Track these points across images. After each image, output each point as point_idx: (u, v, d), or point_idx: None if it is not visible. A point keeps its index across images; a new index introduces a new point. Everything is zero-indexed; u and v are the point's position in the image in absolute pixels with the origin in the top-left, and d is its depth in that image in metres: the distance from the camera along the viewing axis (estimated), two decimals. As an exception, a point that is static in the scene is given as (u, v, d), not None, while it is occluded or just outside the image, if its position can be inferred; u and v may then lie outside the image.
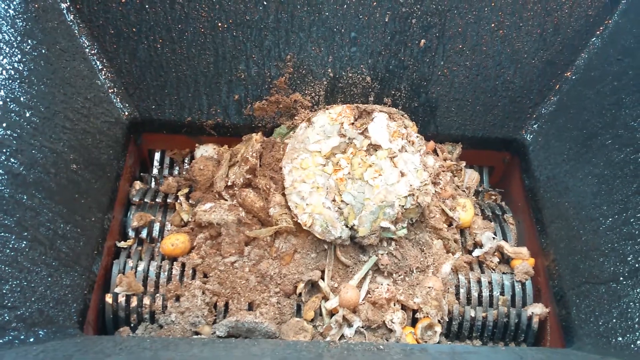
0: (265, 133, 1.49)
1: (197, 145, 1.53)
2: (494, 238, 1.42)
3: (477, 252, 1.42)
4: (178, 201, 1.43)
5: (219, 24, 1.34)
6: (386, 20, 1.36)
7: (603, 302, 1.18)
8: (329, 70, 1.41)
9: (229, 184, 1.39)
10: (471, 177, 1.56)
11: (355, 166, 1.29)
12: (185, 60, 1.38)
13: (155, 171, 1.56)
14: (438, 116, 1.48)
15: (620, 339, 1.11)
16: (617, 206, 1.21)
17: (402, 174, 1.29)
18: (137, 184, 1.48)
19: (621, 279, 1.15)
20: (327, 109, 1.37)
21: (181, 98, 1.42)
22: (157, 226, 1.41)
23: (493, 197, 1.60)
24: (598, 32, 1.39)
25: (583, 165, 1.32)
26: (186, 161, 1.57)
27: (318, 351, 1.04)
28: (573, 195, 1.33)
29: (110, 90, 1.37)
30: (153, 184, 1.53)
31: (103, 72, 1.36)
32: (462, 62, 1.42)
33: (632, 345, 1.08)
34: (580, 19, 1.38)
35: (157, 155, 1.57)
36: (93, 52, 1.34)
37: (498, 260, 1.42)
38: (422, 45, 1.39)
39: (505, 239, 1.46)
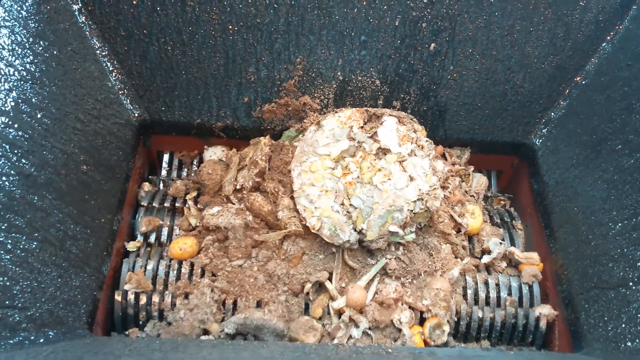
0: (274, 136, 1.49)
1: (205, 147, 1.53)
2: (501, 243, 1.42)
3: (485, 259, 1.41)
4: (186, 205, 1.44)
5: (230, 27, 1.35)
6: (396, 24, 1.36)
7: (612, 307, 1.17)
8: (339, 74, 1.42)
9: (238, 187, 1.39)
10: (480, 181, 1.55)
11: (365, 170, 1.29)
12: (196, 62, 1.38)
13: (163, 173, 1.56)
14: (447, 120, 1.48)
15: (629, 344, 1.11)
16: (627, 211, 1.21)
17: (411, 178, 1.28)
18: (146, 186, 1.49)
19: (630, 284, 1.15)
20: (337, 112, 1.37)
21: (191, 100, 1.43)
22: (165, 231, 1.41)
23: (502, 202, 1.59)
24: (608, 38, 1.39)
25: (592, 171, 1.32)
26: (195, 163, 1.57)
27: (327, 354, 1.04)
28: (582, 200, 1.32)
29: (120, 92, 1.37)
30: (161, 186, 1.53)
31: (114, 73, 1.36)
32: (471, 66, 1.41)
33: (642, 351, 1.07)
34: (590, 24, 1.37)
35: (165, 157, 1.57)
36: (104, 53, 1.34)
37: (506, 264, 1.42)
38: (432, 49, 1.39)
39: (513, 245, 1.45)
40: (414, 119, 1.39)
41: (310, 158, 1.32)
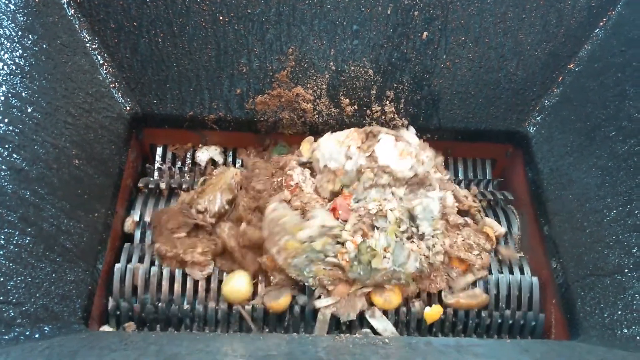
0: (267, 127, 1.48)
1: (200, 145, 1.53)
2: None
3: None
4: None
5: (220, 18, 1.34)
6: (388, 12, 1.35)
7: (608, 294, 1.17)
8: (331, 64, 1.41)
9: (201, 209, 1.35)
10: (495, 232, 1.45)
11: (364, 251, 1.21)
12: (187, 54, 1.37)
13: (156, 165, 1.55)
14: (441, 109, 1.47)
15: (625, 330, 1.11)
16: (622, 198, 1.21)
17: (414, 240, 1.25)
18: (130, 221, 1.41)
19: (626, 270, 1.15)
20: (335, 130, 1.36)
21: (183, 92, 1.42)
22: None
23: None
24: (601, 24, 1.38)
25: (587, 158, 1.32)
26: (188, 156, 1.55)
27: (323, 344, 1.04)
28: (577, 188, 1.32)
29: (111, 85, 1.36)
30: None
31: (104, 66, 1.35)
32: (464, 54, 1.41)
33: (638, 337, 1.08)
34: (583, 10, 1.37)
35: (159, 150, 1.56)
36: (94, 46, 1.33)
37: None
38: (425, 38, 1.39)
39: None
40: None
41: (284, 237, 1.23)
